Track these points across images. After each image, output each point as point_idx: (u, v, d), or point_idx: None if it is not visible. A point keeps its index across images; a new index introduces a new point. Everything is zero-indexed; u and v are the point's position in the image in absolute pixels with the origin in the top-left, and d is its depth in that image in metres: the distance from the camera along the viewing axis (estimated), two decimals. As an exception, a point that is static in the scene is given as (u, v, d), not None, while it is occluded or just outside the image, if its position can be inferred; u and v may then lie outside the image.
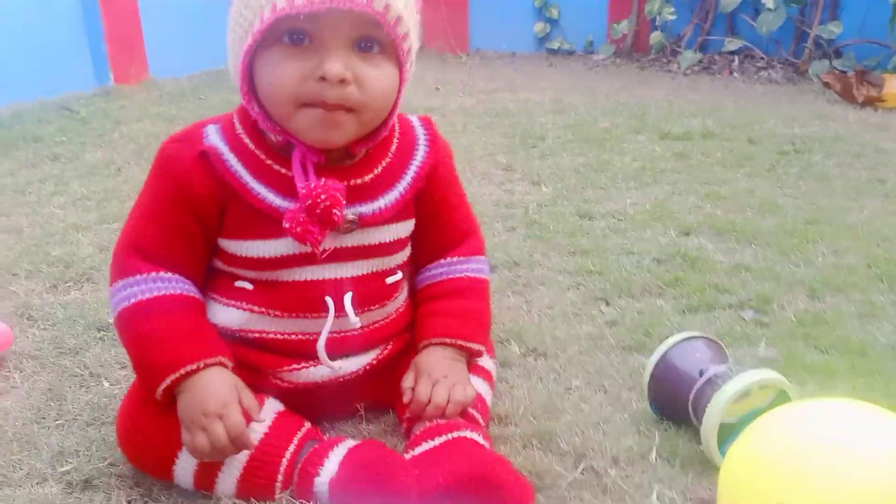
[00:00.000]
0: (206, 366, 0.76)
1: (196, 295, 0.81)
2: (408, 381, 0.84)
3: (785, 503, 0.57)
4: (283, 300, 0.81)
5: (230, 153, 0.78)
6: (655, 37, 4.31)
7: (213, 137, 0.79)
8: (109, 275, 0.81)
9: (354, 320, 0.83)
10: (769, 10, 3.72)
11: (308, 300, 0.82)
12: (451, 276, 0.91)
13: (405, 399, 0.83)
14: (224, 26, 0.77)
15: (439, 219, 0.90)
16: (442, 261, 0.92)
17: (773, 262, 1.37)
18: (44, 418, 0.91)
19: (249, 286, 0.82)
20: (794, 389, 0.81)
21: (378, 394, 0.88)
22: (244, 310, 0.82)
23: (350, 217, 0.80)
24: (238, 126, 0.80)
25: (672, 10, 4.23)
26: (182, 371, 0.74)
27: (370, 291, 0.85)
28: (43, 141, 2.34)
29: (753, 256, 1.40)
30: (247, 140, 0.79)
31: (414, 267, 0.94)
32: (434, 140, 0.88)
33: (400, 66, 0.77)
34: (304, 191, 0.76)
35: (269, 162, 0.79)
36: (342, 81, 0.72)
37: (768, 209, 1.67)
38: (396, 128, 0.86)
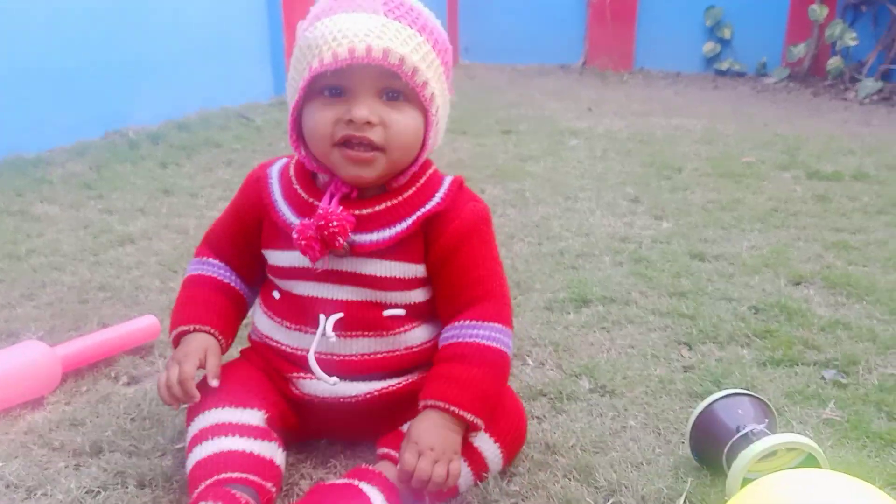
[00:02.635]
0: (197, 330, 0.94)
1: (226, 280, 0.99)
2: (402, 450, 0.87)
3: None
4: (290, 311, 0.95)
5: (276, 179, 0.96)
6: (834, 62, 4.12)
7: (275, 166, 0.97)
8: None
9: (331, 337, 0.91)
10: (960, 40, 3.46)
11: (306, 313, 0.93)
12: (459, 340, 0.91)
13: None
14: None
15: (449, 275, 0.92)
16: (455, 322, 0.92)
17: (876, 321, 1.35)
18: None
19: (277, 295, 0.96)
20: (823, 455, 0.84)
21: (394, 425, 0.93)
22: (269, 318, 0.97)
23: (342, 243, 0.89)
24: (292, 162, 0.97)
25: (854, 35, 4.03)
26: (180, 328, 0.94)
27: (363, 319, 0.92)
28: (221, 147, 2.64)
29: (857, 314, 1.38)
30: (292, 173, 0.95)
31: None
32: (451, 196, 0.92)
33: (425, 112, 0.88)
34: (321, 211, 0.88)
35: (299, 190, 0.94)
36: (368, 123, 0.85)
37: (894, 264, 1.62)
38: (423, 179, 0.93)
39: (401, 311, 0.93)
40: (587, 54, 4.83)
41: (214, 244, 1.01)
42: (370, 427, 0.95)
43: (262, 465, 0.86)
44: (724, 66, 4.56)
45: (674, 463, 0.96)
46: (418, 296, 0.94)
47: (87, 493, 0.90)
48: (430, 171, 0.95)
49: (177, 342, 0.95)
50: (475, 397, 0.88)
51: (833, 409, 1.07)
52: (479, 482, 0.90)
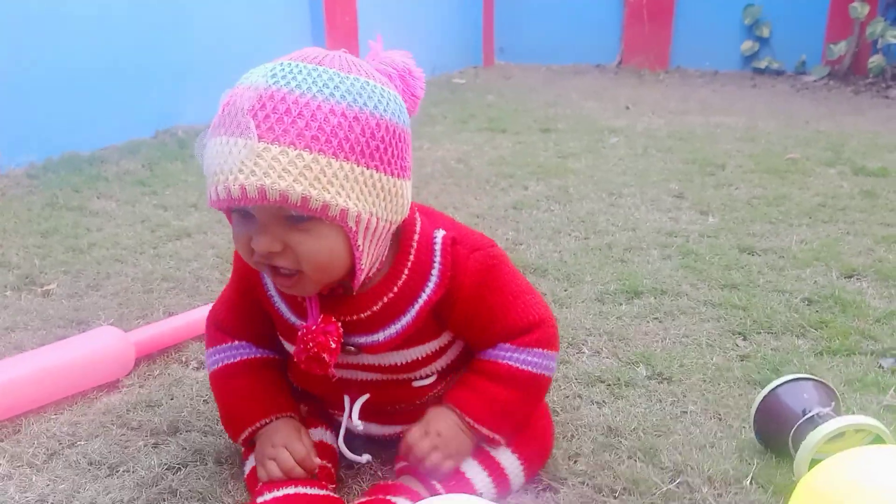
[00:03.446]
0: (277, 419, 0.89)
1: (273, 355, 0.93)
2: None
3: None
4: (317, 388, 0.92)
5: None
6: (875, 60, 4.07)
7: None
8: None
9: (358, 424, 0.88)
10: None
11: (330, 395, 0.92)
12: (493, 360, 0.87)
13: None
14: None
15: (474, 331, 0.87)
16: (497, 344, 0.88)
17: (933, 312, 1.35)
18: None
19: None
20: (891, 436, 0.85)
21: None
22: (291, 381, 0.95)
23: (349, 347, 0.85)
24: None
25: (896, 32, 3.98)
26: (259, 424, 0.89)
27: (393, 395, 0.90)
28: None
29: (913, 305, 1.38)
30: None
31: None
32: (448, 268, 0.83)
33: (343, 228, 0.75)
34: (300, 334, 0.83)
35: None
36: (270, 253, 0.75)
37: (947, 257, 1.61)
38: (411, 257, 0.83)
39: (431, 379, 0.91)
40: (623, 54, 4.82)
41: (230, 330, 0.93)
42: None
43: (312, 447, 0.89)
44: (762, 64, 4.52)
45: (737, 446, 0.97)
46: (446, 360, 0.91)
47: (167, 469, 0.94)
48: (416, 237, 0.84)
49: (248, 441, 0.91)
50: (496, 414, 0.87)
51: (894, 396, 1.08)
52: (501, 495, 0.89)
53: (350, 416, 0.89)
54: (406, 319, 0.84)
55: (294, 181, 0.70)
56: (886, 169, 2.34)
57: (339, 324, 0.83)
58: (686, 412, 1.06)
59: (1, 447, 0.99)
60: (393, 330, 0.84)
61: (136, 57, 2.64)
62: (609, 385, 1.13)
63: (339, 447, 0.91)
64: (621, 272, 1.54)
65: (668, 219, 1.90)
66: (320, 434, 0.93)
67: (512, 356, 0.87)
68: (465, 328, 0.87)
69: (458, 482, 0.86)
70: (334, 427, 0.94)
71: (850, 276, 1.52)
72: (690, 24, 4.66)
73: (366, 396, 0.89)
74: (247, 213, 0.75)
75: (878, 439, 0.85)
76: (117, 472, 0.94)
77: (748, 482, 0.90)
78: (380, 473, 0.94)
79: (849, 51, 4.21)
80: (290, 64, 0.75)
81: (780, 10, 4.44)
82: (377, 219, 0.77)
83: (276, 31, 3.32)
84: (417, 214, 0.86)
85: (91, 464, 0.95)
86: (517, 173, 2.31)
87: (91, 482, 0.92)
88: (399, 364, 0.87)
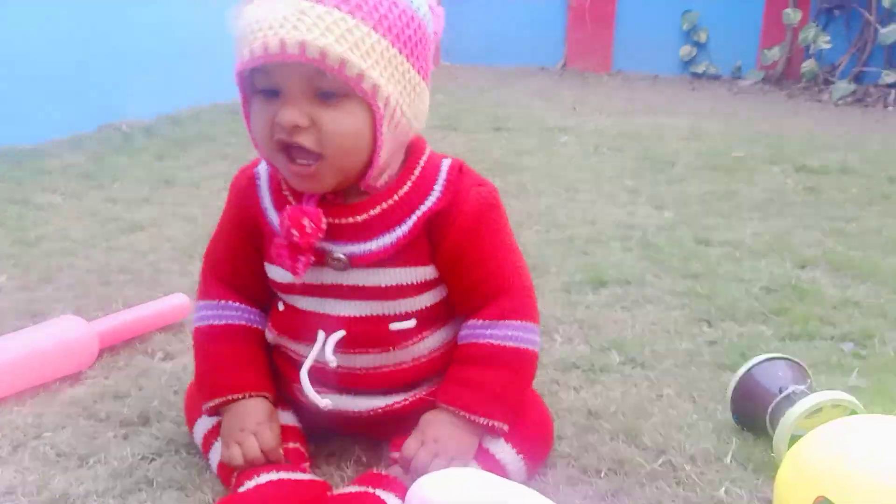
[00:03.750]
0: (250, 396, 0.86)
1: (259, 325, 0.91)
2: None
3: (827, 495, 0.66)
4: (292, 325, 0.88)
5: (265, 180, 0.86)
6: (808, 65, 4.22)
7: (262, 166, 0.87)
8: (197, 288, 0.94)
9: (331, 359, 0.84)
10: (931, 43, 3.58)
11: (306, 329, 0.86)
12: (473, 342, 0.86)
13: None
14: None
15: (461, 273, 0.85)
16: (470, 321, 0.87)
17: (885, 300, 1.40)
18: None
19: (282, 307, 0.89)
20: (864, 411, 0.88)
21: (405, 432, 0.86)
22: (272, 331, 0.90)
23: (338, 255, 0.82)
24: None
25: (828, 38, 4.13)
26: (229, 396, 0.86)
27: (368, 334, 0.85)
28: (215, 141, 2.63)
29: (866, 293, 1.43)
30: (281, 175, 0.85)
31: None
32: (451, 187, 0.83)
33: (371, 107, 0.76)
34: (282, 215, 0.81)
35: (286, 192, 0.85)
36: (297, 127, 0.75)
37: (893, 249, 1.67)
38: (417, 171, 0.84)
39: (409, 323, 0.86)
40: (567, 56, 4.89)
41: (223, 272, 0.91)
42: (377, 434, 0.91)
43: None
44: (700, 68, 4.64)
45: (714, 427, 0.99)
46: (428, 299, 0.87)
47: (141, 459, 0.91)
48: (424, 158, 0.85)
49: (215, 411, 0.87)
50: (489, 399, 0.84)
51: (857, 378, 1.11)
52: None
53: (324, 348, 0.84)
54: (402, 229, 0.82)
55: (336, 41, 0.71)
56: (827, 167, 2.43)
57: (324, 217, 0.80)
58: (661, 395, 1.07)
59: (-40, 441, 0.94)
60: (387, 240, 0.82)
61: (77, 49, 2.56)
62: (584, 371, 1.14)
63: (301, 385, 0.85)
64: (585, 263, 1.56)
65: (625, 213, 1.93)
66: (281, 417, 0.89)
67: (491, 333, 0.85)
68: (453, 262, 0.85)
69: None
70: (295, 407, 0.91)
71: (804, 267, 1.57)
72: (631, 28, 4.76)
73: (342, 332, 0.85)
74: (272, 92, 0.75)
75: (854, 415, 0.88)
76: (87, 462, 0.90)
77: (728, 460, 0.92)
78: (364, 459, 0.93)
79: (782, 56, 4.36)
80: None
81: (717, 16, 4.57)
82: (401, 111, 0.77)
83: (220, 27, 3.26)
84: (427, 144, 0.86)
85: (60, 455, 0.91)
86: (473, 168, 2.31)
87: (61, 473, 0.88)
88: (382, 287, 0.84)
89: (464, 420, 0.84)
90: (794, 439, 0.86)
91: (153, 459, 0.91)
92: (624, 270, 1.53)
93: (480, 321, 0.86)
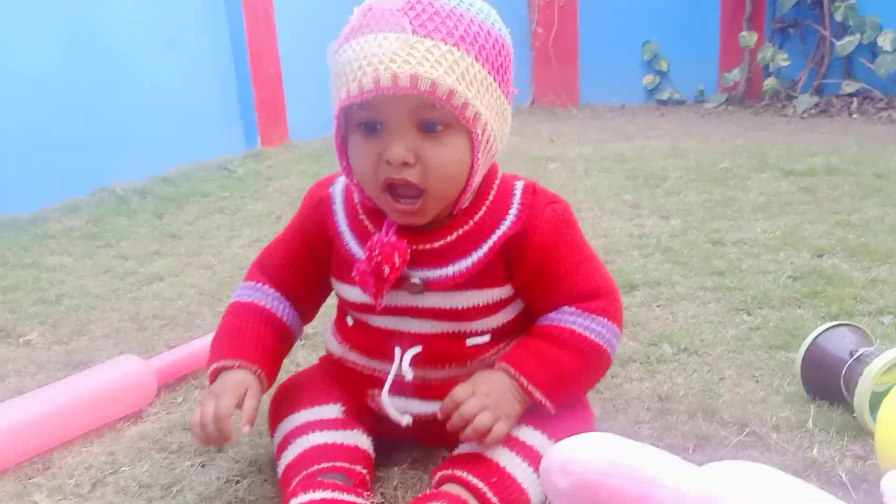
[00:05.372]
0: (240, 367, 0.86)
1: (279, 313, 0.91)
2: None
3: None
4: (364, 341, 0.89)
5: (340, 202, 0.89)
6: (769, 83, 4.35)
7: (337, 186, 0.91)
8: None
9: (408, 374, 0.85)
10: (887, 52, 3.74)
11: (381, 346, 0.88)
12: (557, 324, 0.86)
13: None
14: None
15: (542, 288, 0.86)
16: (559, 307, 0.87)
17: (909, 276, 1.44)
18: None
19: (351, 322, 0.91)
20: (938, 364, 0.90)
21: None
22: (340, 343, 0.92)
23: (414, 280, 0.84)
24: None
25: (785, 55, 4.28)
26: (222, 363, 0.86)
27: (444, 351, 0.87)
28: (209, 196, 2.63)
29: (889, 272, 1.47)
30: (356, 199, 0.88)
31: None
32: (526, 209, 0.85)
33: (469, 133, 0.79)
34: (370, 244, 0.83)
35: (362, 217, 0.87)
36: (405, 164, 0.78)
37: (900, 232, 1.73)
38: (492, 195, 0.85)
39: (485, 338, 0.88)
40: (535, 94, 4.99)
41: (271, 270, 0.93)
42: (451, 441, 0.87)
43: (347, 452, 0.85)
44: (664, 95, 4.77)
45: (785, 399, 1.01)
46: (503, 317, 0.88)
47: (226, 482, 0.89)
48: (498, 181, 0.87)
49: (214, 376, 0.87)
50: (550, 378, 0.83)
51: (908, 343, 1.14)
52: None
53: (401, 364, 0.85)
54: (478, 254, 0.84)
55: (445, 73, 0.75)
56: (814, 169, 2.50)
57: (409, 247, 0.83)
58: (724, 378, 1.09)
59: (35, 483, 0.92)
60: (463, 265, 0.83)
61: (67, 118, 2.56)
62: (641, 363, 1.15)
63: (382, 402, 0.86)
64: (611, 270, 1.57)
65: (633, 225, 1.97)
66: (355, 438, 0.87)
67: (575, 320, 0.85)
68: (532, 281, 0.86)
69: (500, 479, 0.80)
70: (368, 427, 0.89)
71: (822, 255, 1.61)
72: (594, 62, 4.88)
73: (418, 348, 0.85)
74: (372, 126, 0.79)
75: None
76: (171, 491, 0.89)
77: (810, 424, 0.93)
78: (419, 483, 0.90)
79: (742, 77, 4.50)
80: None
81: (676, 44, 4.72)
82: (493, 135, 0.81)
83: (203, 89, 3.29)
84: (498, 165, 0.88)
85: (142, 486, 0.89)
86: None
87: (148, 503, 0.86)
88: (458, 309, 0.85)
89: (518, 386, 0.83)
90: (874, 396, 0.88)
91: (238, 481, 0.90)
92: (650, 273, 1.55)
93: (569, 307, 0.86)
